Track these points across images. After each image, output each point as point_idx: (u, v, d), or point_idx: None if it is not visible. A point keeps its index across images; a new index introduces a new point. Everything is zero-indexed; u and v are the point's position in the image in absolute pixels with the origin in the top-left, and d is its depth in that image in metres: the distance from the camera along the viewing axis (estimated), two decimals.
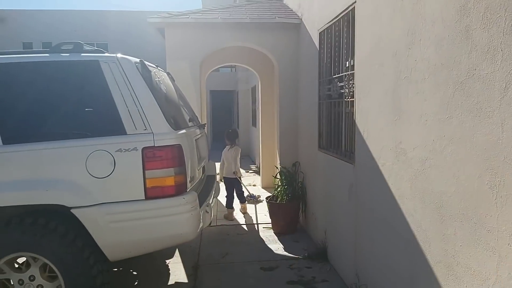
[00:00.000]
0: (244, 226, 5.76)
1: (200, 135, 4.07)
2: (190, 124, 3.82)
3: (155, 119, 2.92)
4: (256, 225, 5.81)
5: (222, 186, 6.15)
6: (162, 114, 2.97)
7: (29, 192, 2.79)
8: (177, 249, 4.74)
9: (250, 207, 6.60)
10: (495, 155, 1.75)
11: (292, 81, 6.07)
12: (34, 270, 2.88)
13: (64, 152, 2.85)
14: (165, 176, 2.89)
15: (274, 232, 5.41)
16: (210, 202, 3.65)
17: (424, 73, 2.32)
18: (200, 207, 3.14)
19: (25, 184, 2.80)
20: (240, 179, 6.36)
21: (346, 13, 3.69)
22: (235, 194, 6.35)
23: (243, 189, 6.42)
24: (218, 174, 5.86)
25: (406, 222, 2.58)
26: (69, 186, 2.79)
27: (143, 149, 2.84)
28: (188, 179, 3.12)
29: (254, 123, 12.01)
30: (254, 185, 8.34)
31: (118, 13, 19.45)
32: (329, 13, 4.20)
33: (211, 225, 5.53)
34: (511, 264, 1.67)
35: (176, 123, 3.19)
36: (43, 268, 2.89)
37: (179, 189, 2.96)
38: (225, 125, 20.56)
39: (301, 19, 5.77)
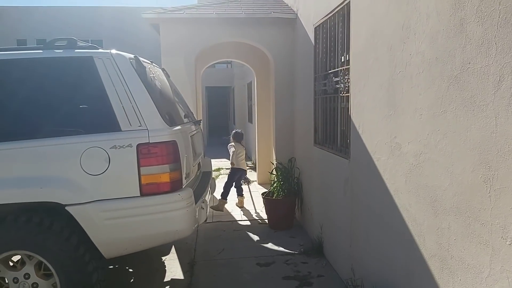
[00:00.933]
0: (240, 222, 5.76)
1: (195, 131, 4.06)
2: (185, 120, 3.81)
3: (149, 115, 2.91)
4: (252, 221, 5.82)
5: (218, 182, 6.16)
6: (157, 110, 2.95)
7: (24, 190, 2.77)
8: (173, 246, 4.73)
9: (246, 202, 6.61)
10: (489, 148, 1.75)
11: (287, 76, 6.06)
12: (29, 268, 2.87)
13: (58, 149, 2.82)
14: (160, 173, 2.88)
15: (270, 228, 5.41)
16: (206, 198, 3.65)
17: (419, 67, 2.32)
18: (195, 204, 3.13)
19: (19, 182, 2.77)
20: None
21: (342, 7, 3.68)
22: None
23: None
24: (223, 168, 5.88)
25: (401, 216, 2.59)
26: (64, 183, 2.77)
27: (138, 145, 2.82)
28: (184, 176, 3.11)
29: (250, 119, 12.00)
30: (250, 182, 8.34)
31: (113, 9, 19.34)
32: (325, 8, 4.19)
33: (207, 221, 5.55)
34: (504, 257, 1.68)
35: (171, 120, 3.17)
36: (38, 266, 2.88)
37: (175, 186, 2.95)
38: (221, 121, 20.58)
39: (297, 14, 5.75)
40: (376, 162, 2.97)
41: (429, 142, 2.22)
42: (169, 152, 2.91)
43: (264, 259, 4.36)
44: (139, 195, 2.85)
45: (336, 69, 3.95)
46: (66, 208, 2.76)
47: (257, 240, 4.98)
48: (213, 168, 5.52)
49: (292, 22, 5.89)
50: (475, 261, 1.87)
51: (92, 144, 2.80)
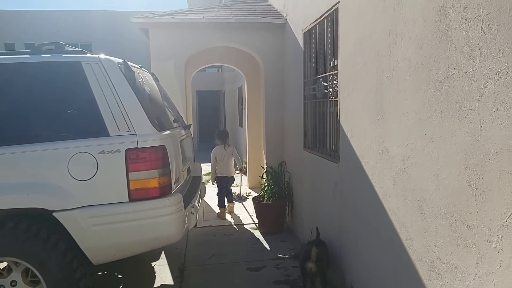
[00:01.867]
0: (231, 227, 5.74)
1: (185, 136, 4.05)
2: (175, 125, 3.80)
3: (138, 120, 2.89)
4: (242, 225, 5.81)
5: (208, 187, 6.14)
6: (146, 115, 2.94)
7: (10, 196, 2.73)
8: (163, 251, 4.70)
9: (236, 207, 6.60)
10: (474, 153, 1.78)
11: (277, 81, 6.08)
12: (16, 275, 2.82)
13: (46, 155, 2.80)
14: (149, 178, 2.86)
15: (260, 232, 5.41)
16: (196, 204, 3.63)
17: (406, 73, 2.34)
18: (185, 209, 3.12)
19: (5, 188, 2.74)
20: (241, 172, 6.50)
21: (330, 13, 3.71)
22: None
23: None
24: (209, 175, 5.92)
25: (389, 220, 2.61)
26: (51, 189, 2.74)
27: (126, 150, 2.81)
28: (173, 181, 3.10)
29: (241, 123, 12.00)
30: (239, 186, 8.32)
31: (102, 13, 19.24)
32: (313, 13, 4.22)
33: (197, 226, 5.52)
34: (490, 260, 1.70)
35: (160, 124, 3.16)
36: (25, 272, 2.84)
37: (164, 191, 2.94)
38: (212, 125, 20.52)
39: (286, 19, 5.79)
40: (364, 166, 3.00)
41: (416, 146, 2.25)
42: (158, 157, 2.90)
43: (254, 263, 4.35)
44: (127, 200, 2.83)
45: (325, 74, 3.98)
46: (54, 214, 2.73)
47: (248, 245, 4.96)
48: (203, 173, 5.50)
49: (281, 27, 5.93)
50: (462, 263, 1.89)
51: (80, 149, 2.77)
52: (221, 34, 5.93)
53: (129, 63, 3.26)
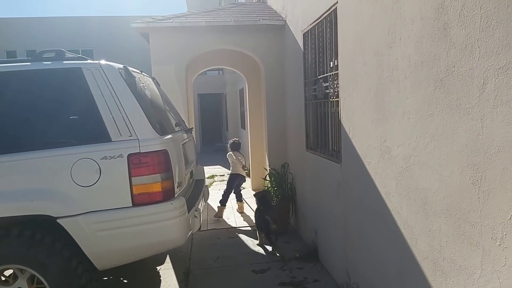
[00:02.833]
0: (235, 229, 5.74)
1: (187, 139, 4.06)
2: (176, 128, 3.81)
3: (140, 125, 2.90)
4: (247, 227, 5.80)
5: (212, 190, 6.16)
6: (147, 120, 2.95)
7: (14, 204, 2.75)
8: (167, 255, 4.70)
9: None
10: (476, 150, 1.77)
11: (278, 82, 6.09)
12: (22, 282, 2.84)
13: (49, 162, 2.81)
14: (152, 182, 2.87)
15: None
16: (199, 207, 3.64)
17: (405, 71, 2.34)
18: (188, 212, 3.13)
19: (10, 195, 2.75)
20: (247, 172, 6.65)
21: (329, 13, 3.71)
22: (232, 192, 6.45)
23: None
24: (217, 175, 5.97)
25: (393, 220, 2.60)
26: (55, 195, 2.75)
27: (129, 155, 2.82)
28: (176, 185, 3.10)
29: (243, 125, 12.01)
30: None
31: (103, 19, 19.33)
32: (312, 14, 4.22)
33: (201, 229, 5.53)
34: (494, 258, 1.70)
35: (162, 129, 3.17)
36: (31, 279, 2.86)
37: (167, 195, 2.94)
38: (215, 128, 20.56)
39: (285, 20, 5.79)
40: (367, 166, 2.99)
41: (418, 145, 2.24)
42: (160, 161, 2.90)
43: (259, 266, 4.35)
44: (131, 205, 2.84)
45: (326, 75, 3.98)
46: (58, 220, 2.74)
47: (252, 247, 4.96)
48: (206, 176, 5.51)
49: (281, 28, 5.93)
50: (466, 262, 1.88)
51: (82, 156, 2.79)
52: (220, 37, 5.94)
53: (130, 68, 3.27)
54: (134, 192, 2.83)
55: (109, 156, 2.80)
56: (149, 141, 2.88)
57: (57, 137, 2.88)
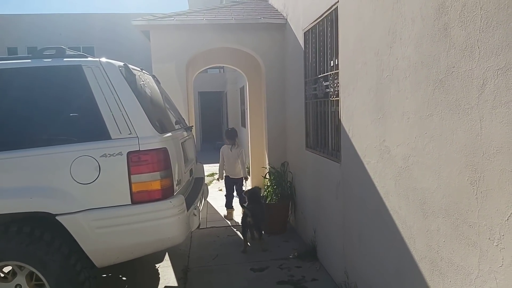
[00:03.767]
0: (234, 228, 5.75)
1: (187, 138, 4.06)
2: (176, 127, 3.81)
3: (139, 123, 2.90)
4: None
5: (211, 188, 6.15)
6: (147, 118, 2.95)
7: (13, 200, 2.75)
8: (166, 253, 4.71)
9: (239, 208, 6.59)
10: (474, 151, 1.77)
11: (278, 81, 6.08)
12: (21, 279, 2.85)
13: (48, 159, 2.81)
14: (151, 180, 2.87)
15: (264, 232, 5.40)
16: (198, 205, 3.64)
17: (405, 72, 2.34)
18: (187, 210, 3.13)
19: (9, 192, 2.76)
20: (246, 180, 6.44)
21: (330, 12, 3.71)
22: (234, 193, 6.36)
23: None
24: (217, 174, 5.98)
25: (391, 219, 2.60)
26: (54, 193, 2.76)
27: (128, 153, 2.82)
28: (175, 183, 3.11)
29: (244, 124, 12.01)
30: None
31: (104, 16, 19.30)
32: (313, 13, 4.22)
33: (200, 227, 5.53)
34: (491, 258, 1.70)
35: (161, 126, 3.17)
36: (30, 276, 2.86)
37: (166, 193, 2.94)
38: (215, 126, 20.57)
39: (286, 19, 5.78)
40: (366, 166, 2.99)
41: (417, 145, 2.25)
42: (159, 160, 2.91)
43: (258, 264, 4.36)
44: (130, 203, 2.84)
45: (326, 74, 3.98)
46: (57, 217, 2.74)
47: (251, 245, 4.97)
48: (206, 174, 5.51)
49: (282, 27, 5.92)
50: (464, 262, 1.89)
51: (82, 153, 2.79)
52: (221, 35, 5.93)
53: (130, 66, 3.27)
54: (133, 190, 2.83)
55: (108, 154, 2.80)
56: (149, 139, 2.88)
57: (56, 135, 2.88)
